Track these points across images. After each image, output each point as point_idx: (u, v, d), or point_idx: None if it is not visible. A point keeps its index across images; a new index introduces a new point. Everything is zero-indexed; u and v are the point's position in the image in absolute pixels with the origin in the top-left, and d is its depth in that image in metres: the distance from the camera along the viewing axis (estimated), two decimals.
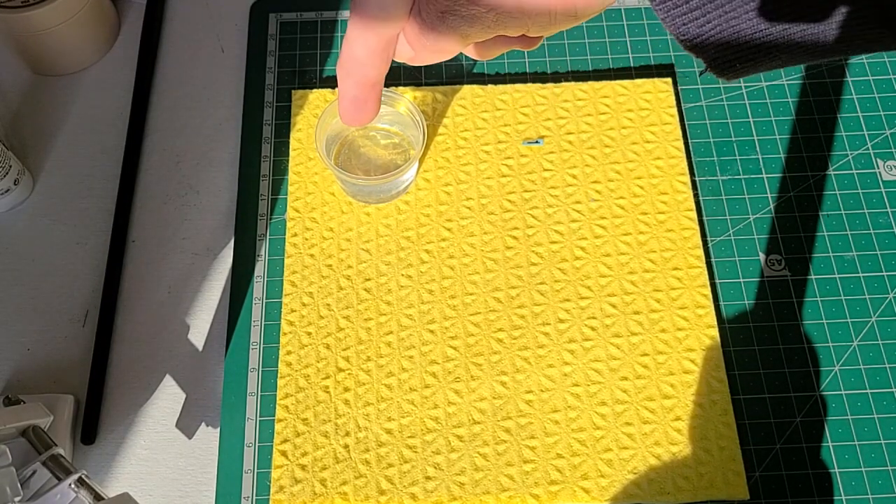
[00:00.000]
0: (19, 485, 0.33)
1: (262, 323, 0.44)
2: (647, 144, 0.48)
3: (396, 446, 0.41)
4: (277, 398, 0.42)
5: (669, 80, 0.50)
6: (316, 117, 0.49)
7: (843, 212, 0.47)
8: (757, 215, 0.47)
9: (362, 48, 0.25)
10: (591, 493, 0.40)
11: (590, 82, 0.50)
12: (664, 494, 0.40)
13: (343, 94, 0.27)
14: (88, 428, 0.42)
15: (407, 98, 0.45)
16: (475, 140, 0.49)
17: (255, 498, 0.41)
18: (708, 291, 0.44)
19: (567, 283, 0.45)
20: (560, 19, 0.23)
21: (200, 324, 0.45)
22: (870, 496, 0.40)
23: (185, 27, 0.54)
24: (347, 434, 0.41)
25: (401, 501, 0.40)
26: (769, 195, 0.47)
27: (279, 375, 0.43)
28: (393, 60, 0.26)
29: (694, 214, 0.46)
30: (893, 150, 0.49)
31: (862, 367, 0.43)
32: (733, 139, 0.49)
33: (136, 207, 0.48)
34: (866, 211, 0.47)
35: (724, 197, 0.47)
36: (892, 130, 0.49)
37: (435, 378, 0.43)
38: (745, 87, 0.51)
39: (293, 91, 0.50)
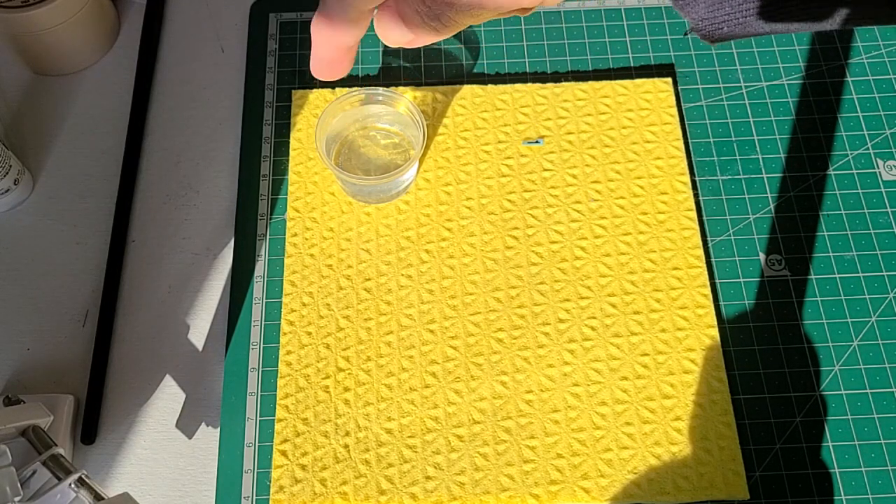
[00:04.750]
0: (19, 485, 0.33)
1: (262, 323, 0.44)
2: (647, 144, 0.48)
3: (396, 446, 0.41)
4: (277, 398, 0.42)
5: (669, 80, 0.50)
6: (316, 117, 0.49)
7: (843, 212, 0.47)
8: (757, 215, 0.47)
9: (329, 51, 0.25)
10: (591, 493, 0.40)
11: (590, 82, 0.50)
12: (664, 494, 0.40)
13: (317, 72, 0.27)
14: (88, 428, 0.42)
15: (407, 98, 0.45)
16: (475, 140, 0.49)
17: (255, 498, 0.41)
18: (708, 291, 0.44)
19: (567, 283, 0.45)
20: None
21: (200, 324, 0.45)
22: (870, 496, 0.40)
23: (185, 27, 0.54)
24: (347, 434, 0.41)
25: (401, 501, 0.40)
26: (769, 195, 0.47)
27: (279, 375, 0.43)
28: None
29: (694, 214, 0.46)
30: (893, 150, 0.49)
31: (862, 367, 0.43)
32: (733, 139, 0.49)
33: (136, 207, 0.48)
34: (866, 211, 0.47)
35: (724, 197, 0.47)
36: (892, 130, 0.49)
37: (435, 378, 0.43)
38: (745, 87, 0.51)
39: (293, 91, 0.50)
